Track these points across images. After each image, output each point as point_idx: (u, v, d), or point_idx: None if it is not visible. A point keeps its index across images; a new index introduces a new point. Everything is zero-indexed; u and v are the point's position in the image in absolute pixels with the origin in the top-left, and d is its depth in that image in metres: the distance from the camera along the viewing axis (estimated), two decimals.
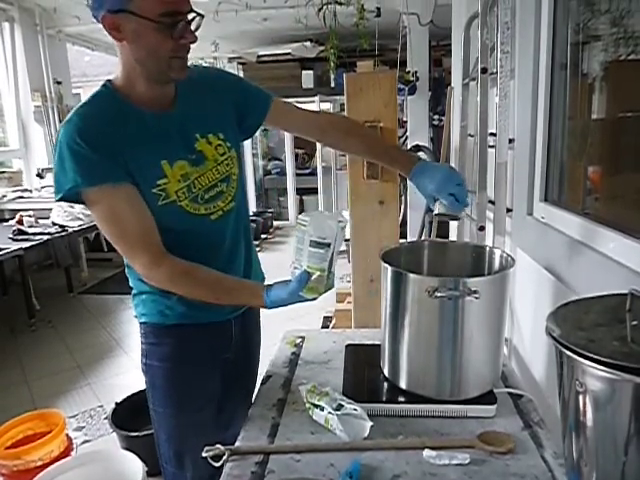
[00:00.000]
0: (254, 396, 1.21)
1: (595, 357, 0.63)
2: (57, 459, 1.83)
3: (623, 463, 0.66)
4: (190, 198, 1.07)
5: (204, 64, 3.95)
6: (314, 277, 0.96)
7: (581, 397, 0.68)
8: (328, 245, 0.95)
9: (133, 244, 1.02)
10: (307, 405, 1.07)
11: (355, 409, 1.00)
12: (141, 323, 1.19)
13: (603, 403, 0.66)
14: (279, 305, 1.01)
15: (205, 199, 1.10)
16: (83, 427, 2.49)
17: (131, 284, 1.19)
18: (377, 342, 1.21)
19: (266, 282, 1.07)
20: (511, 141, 1.56)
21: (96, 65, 9.26)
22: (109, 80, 1.06)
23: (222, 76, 1.22)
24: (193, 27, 0.99)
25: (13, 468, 1.82)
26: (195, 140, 1.09)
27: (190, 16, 0.97)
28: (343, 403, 1.02)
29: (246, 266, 1.23)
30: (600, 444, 0.70)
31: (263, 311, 1.18)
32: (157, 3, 0.92)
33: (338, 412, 1.00)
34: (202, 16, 0.98)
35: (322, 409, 1.03)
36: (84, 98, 1.06)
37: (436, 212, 1.14)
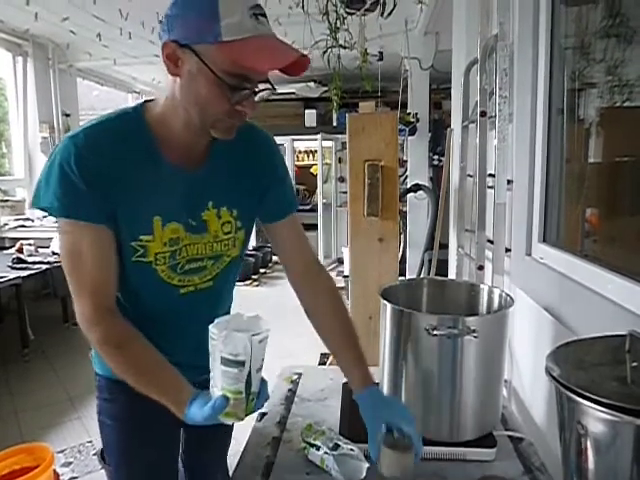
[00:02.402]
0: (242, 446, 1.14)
1: (595, 398, 0.62)
2: None
3: None
4: (169, 264, 0.96)
5: None
6: (231, 402, 0.78)
7: (582, 440, 0.67)
8: (242, 363, 0.77)
9: (83, 288, 0.89)
10: (302, 444, 1.05)
11: (352, 449, 0.98)
12: (96, 374, 1.10)
13: (605, 446, 0.65)
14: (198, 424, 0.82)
15: (184, 270, 0.98)
16: (71, 463, 2.42)
17: None
18: (375, 381, 1.20)
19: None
20: (509, 182, 1.59)
21: (104, 100, 9.47)
22: (144, 103, 0.93)
23: (271, 155, 1.08)
24: (256, 97, 0.86)
25: None
26: (205, 208, 0.97)
27: (260, 86, 0.85)
28: (340, 443, 1.00)
29: (194, 350, 0.94)
30: None
31: None
32: (227, 62, 0.79)
33: (334, 452, 0.98)
34: (274, 89, 0.87)
35: (318, 448, 1.01)
36: None
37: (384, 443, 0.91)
